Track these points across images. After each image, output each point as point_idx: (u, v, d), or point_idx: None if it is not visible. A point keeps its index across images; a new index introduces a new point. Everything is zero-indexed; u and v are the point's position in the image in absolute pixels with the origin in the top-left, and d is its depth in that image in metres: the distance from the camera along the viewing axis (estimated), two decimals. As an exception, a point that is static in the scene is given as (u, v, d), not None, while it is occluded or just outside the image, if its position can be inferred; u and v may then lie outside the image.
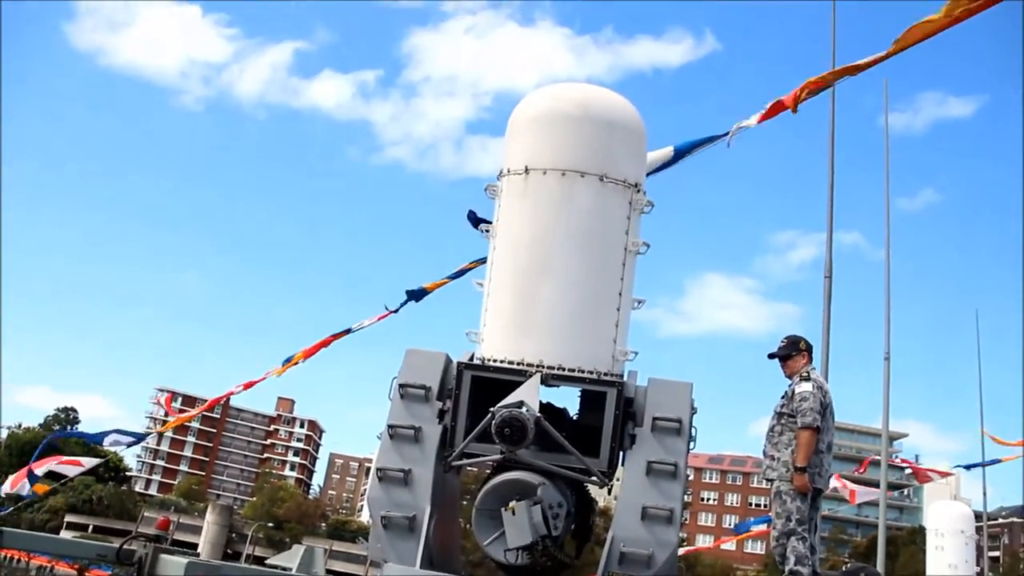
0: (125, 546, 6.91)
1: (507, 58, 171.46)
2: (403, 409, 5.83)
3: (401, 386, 5.88)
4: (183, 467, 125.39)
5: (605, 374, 5.67)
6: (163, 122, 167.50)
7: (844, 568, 5.18)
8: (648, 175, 9.87)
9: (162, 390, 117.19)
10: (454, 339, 6.49)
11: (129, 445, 15.25)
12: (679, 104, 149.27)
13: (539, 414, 5.11)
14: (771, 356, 6.83)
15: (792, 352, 6.76)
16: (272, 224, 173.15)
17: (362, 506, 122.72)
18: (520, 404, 5.10)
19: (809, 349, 6.87)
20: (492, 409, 5.14)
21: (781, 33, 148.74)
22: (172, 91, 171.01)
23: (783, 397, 6.65)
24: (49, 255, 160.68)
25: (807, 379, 6.56)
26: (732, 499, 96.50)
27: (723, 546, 58.38)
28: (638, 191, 6.05)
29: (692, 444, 5.78)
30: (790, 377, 6.74)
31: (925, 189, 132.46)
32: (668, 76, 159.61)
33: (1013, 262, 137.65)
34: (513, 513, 5.10)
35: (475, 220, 7.77)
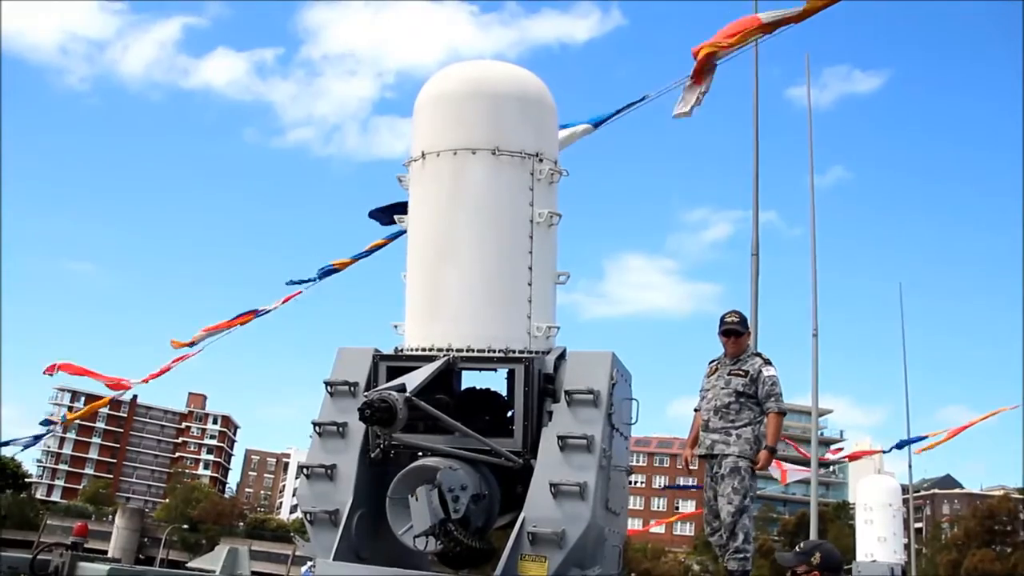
0: (39, 555, 6.79)
1: (410, 35, 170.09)
2: (331, 406, 5.82)
3: (328, 384, 5.86)
4: (89, 470, 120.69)
5: (520, 352, 5.56)
6: (47, 103, 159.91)
7: (799, 546, 4.87)
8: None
9: (63, 390, 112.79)
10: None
11: (26, 447, 14.29)
12: (587, 79, 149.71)
13: (408, 394, 5.05)
14: (733, 333, 6.85)
15: (744, 329, 6.90)
16: (175, 212, 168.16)
17: (281, 503, 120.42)
18: (401, 387, 5.08)
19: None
20: (366, 394, 5.15)
21: (688, 8, 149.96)
22: (53, 70, 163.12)
23: (738, 375, 6.72)
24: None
25: (770, 363, 6.75)
26: (660, 481, 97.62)
27: (652, 529, 58.97)
28: (540, 160, 5.91)
29: (634, 418, 5.84)
30: (736, 355, 6.83)
31: (835, 166, 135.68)
32: (575, 51, 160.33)
33: (927, 237, 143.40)
34: (416, 499, 5.08)
35: (382, 216, 7.88)
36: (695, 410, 7.21)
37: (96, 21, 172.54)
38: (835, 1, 8.26)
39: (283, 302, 11.50)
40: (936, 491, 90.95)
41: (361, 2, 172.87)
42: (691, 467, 7.34)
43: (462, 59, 6.52)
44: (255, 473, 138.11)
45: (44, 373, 12.59)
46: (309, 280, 11.07)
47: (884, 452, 24.39)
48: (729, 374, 6.82)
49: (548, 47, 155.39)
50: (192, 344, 11.43)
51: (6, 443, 13.90)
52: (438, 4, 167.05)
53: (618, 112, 9.68)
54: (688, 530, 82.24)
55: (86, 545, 7.22)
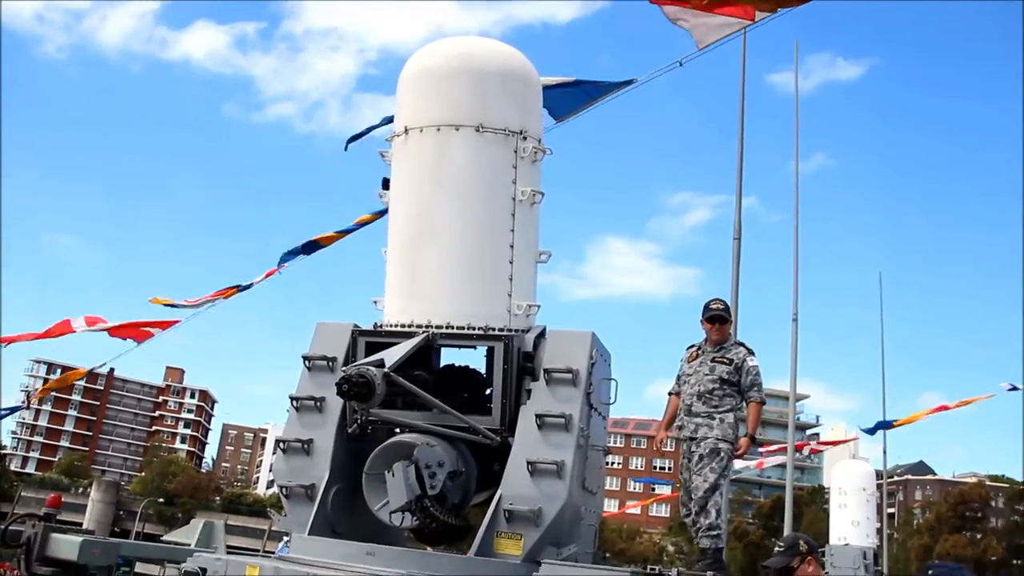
0: (11, 526, 6.69)
1: (393, 12, 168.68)
2: (309, 381, 5.80)
3: (306, 358, 5.84)
4: (64, 442, 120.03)
5: (499, 329, 5.55)
6: (25, 71, 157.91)
7: (779, 546, 4.90)
8: (560, 117, 9.31)
9: (38, 361, 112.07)
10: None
11: (4, 415, 14.12)
12: (569, 60, 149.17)
13: (386, 370, 5.02)
14: (718, 319, 6.94)
15: (729, 317, 7.07)
16: (154, 185, 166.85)
17: (258, 478, 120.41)
18: (379, 362, 5.07)
19: None
20: (344, 369, 5.16)
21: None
22: (31, 38, 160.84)
23: (723, 363, 6.83)
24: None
25: (752, 353, 6.89)
26: (637, 463, 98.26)
27: (628, 510, 59.38)
28: (524, 138, 5.89)
29: (613, 398, 5.82)
30: (719, 342, 6.92)
31: (817, 153, 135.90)
32: (557, 32, 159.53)
33: (908, 225, 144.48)
34: (392, 475, 5.08)
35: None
36: (670, 393, 7.29)
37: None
38: None
39: (265, 277, 11.44)
40: (909, 477, 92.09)
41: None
42: (664, 448, 7.49)
43: (445, 38, 6.46)
44: (232, 448, 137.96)
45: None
46: (289, 257, 10.99)
47: (851, 439, 24.75)
48: (713, 361, 6.92)
49: (531, 27, 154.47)
50: (172, 306, 11.29)
51: None
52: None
53: (606, 92, 9.65)
54: (664, 511, 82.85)
55: (59, 517, 7.17)
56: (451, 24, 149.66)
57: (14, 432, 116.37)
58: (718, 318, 6.96)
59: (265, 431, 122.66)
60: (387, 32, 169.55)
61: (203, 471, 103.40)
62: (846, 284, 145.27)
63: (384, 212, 7.25)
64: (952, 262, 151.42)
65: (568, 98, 9.56)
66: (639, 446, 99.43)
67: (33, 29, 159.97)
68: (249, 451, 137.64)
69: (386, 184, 8.09)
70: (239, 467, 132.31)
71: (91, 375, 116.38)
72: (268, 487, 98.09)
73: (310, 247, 10.92)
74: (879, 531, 23.02)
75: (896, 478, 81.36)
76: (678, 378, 7.22)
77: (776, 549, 4.92)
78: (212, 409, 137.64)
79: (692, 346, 7.19)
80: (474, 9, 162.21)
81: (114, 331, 11.64)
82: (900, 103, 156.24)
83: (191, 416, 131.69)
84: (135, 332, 11.61)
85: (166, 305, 11.38)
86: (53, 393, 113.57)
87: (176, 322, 11.63)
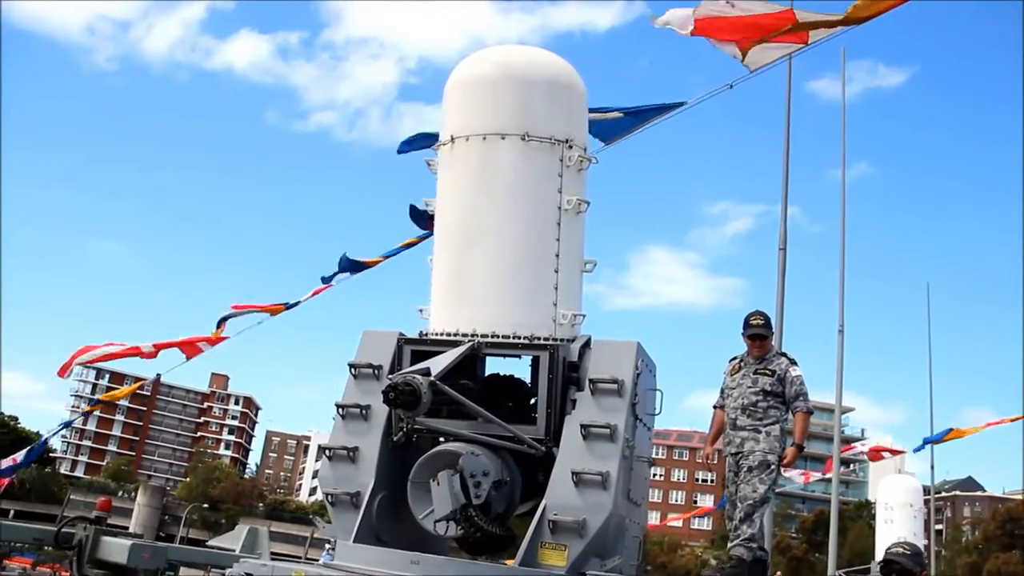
0: (64, 529, 6.80)
1: (430, 21, 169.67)
2: (355, 388, 5.83)
3: (352, 366, 5.86)
4: (112, 447, 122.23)
5: (545, 339, 5.52)
6: (76, 82, 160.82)
7: (907, 549, 4.58)
8: (608, 140, 9.31)
9: (86, 366, 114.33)
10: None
11: (59, 430, 14.37)
12: (609, 67, 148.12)
13: (432, 379, 5.02)
14: (759, 337, 6.85)
15: (769, 332, 6.96)
16: (198, 193, 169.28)
17: (300, 485, 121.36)
18: (425, 371, 5.07)
19: None
20: (390, 377, 5.16)
21: None
22: (81, 49, 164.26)
23: (765, 375, 6.76)
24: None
25: (795, 363, 6.80)
26: (679, 475, 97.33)
27: (670, 523, 58.83)
28: (570, 147, 5.88)
29: (658, 409, 5.84)
30: (760, 356, 6.84)
31: (859, 162, 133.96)
32: (596, 39, 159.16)
33: (954, 236, 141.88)
34: (438, 484, 5.07)
35: (418, 216, 8.04)
36: (715, 407, 7.22)
37: (121, 1, 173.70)
38: (875, 15, 8.14)
39: (312, 295, 11.54)
40: (957, 493, 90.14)
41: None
42: (711, 463, 7.42)
43: (483, 45, 6.51)
44: (275, 455, 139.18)
45: (59, 375, 12.28)
46: (333, 275, 11.10)
47: (899, 451, 24.27)
48: (756, 373, 6.85)
49: (570, 34, 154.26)
50: (225, 319, 11.41)
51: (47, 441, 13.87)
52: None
53: (656, 115, 9.69)
54: (706, 525, 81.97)
55: (108, 520, 7.27)
56: (489, 32, 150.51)
57: (64, 436, 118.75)
58: (758, 336, 6.88)
59: (308, 438, 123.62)
60: (425, 40, 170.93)
61: (247, 477, 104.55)
62: (891, 295, 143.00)
63: (428, 236, 7.31)
64: (1001, 273, 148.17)
65: (616, 125, 9.60)
66: (681, 458, 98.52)
67: (83, 41, 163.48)
68: (292, 458, 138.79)
69: (415, 214, 8.14)
70: (282, 474, 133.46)
71: (137, 381, 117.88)
72: (311, 494, 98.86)
73: (356, 268, 11.01)
74: (926, 548, 22.47)
75: (944, 494, 79.68)
76: (722, 391, 7.15)
77: (900, 550, 4.73)
78: (256, 416, 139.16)
79: (734, 358, 7.11)
80: (512, 16, 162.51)
81: (161, 344, 11.81)
82: (944, 110, 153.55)
83: (235, 423, 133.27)
84: (186, 347, 11.76)
85: (221, 328, 11.48)
86: (100, 398, 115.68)
87: (225, 338, 11.76)
